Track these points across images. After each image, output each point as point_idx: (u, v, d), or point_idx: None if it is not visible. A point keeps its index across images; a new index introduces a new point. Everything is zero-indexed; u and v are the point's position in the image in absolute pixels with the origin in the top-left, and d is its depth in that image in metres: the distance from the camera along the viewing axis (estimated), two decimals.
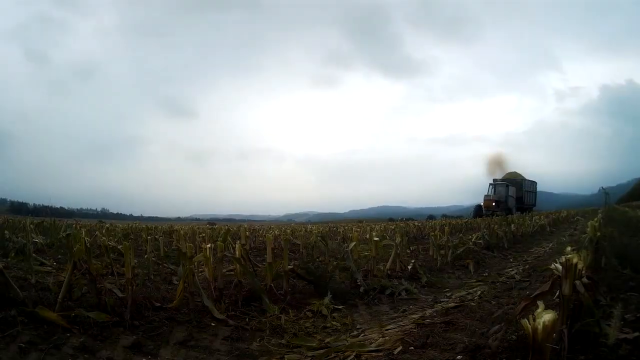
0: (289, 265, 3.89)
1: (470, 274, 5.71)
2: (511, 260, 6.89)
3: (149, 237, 5.94)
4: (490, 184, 34.36)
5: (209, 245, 3.39)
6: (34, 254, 4.05)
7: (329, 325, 3.40)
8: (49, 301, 3.01)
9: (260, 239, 7.92)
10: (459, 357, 2.19)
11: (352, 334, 3.15)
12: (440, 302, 4.03)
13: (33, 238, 4.66)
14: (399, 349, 2.54)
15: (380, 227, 11.32)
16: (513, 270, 5.62)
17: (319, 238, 5.45)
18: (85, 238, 3.07)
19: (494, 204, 31.66)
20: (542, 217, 14.49)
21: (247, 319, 3.33)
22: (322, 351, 2.73)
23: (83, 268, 3.07)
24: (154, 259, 4.38)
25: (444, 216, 45.44)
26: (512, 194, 33.52)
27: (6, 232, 5.42)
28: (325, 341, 3.01)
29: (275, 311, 3.50)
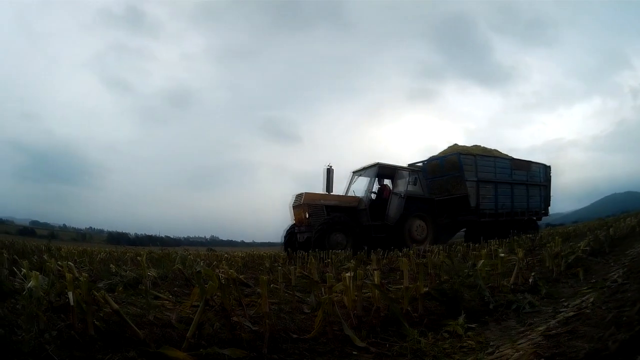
0: (424, 287, 3.66)
1: (580, 282, 5.53)
2: (612, 264, 6.63)
3: (275, 265, 5.77)
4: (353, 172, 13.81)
5: (348, 274, 3.27)
6: (142, 286, 3.79)
7: (465, 344, 3.23)
8: (173, 339, 2.76)
9: (384, 261, 7.65)
10: None
11: (487, 351, 3.00)
12: (560, 312, 3.87)
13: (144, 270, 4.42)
14: None
15: (495, 241, 11.56)
16: (615, 273, 5.31)
17: (445, 257, 5.21)
18: (216, 273, 2.83)
19: (307, 216, 11.55)
20: (632, 218, 14.12)
21: (387, 345, 3.12)
22: None
23: (216, 304, 2.87)
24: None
25: (549, 225, 42.59)
26: (402, 189, 12.86)
27: (112, 265, 5.22)
28: None
29: (415, 335, 3.28)
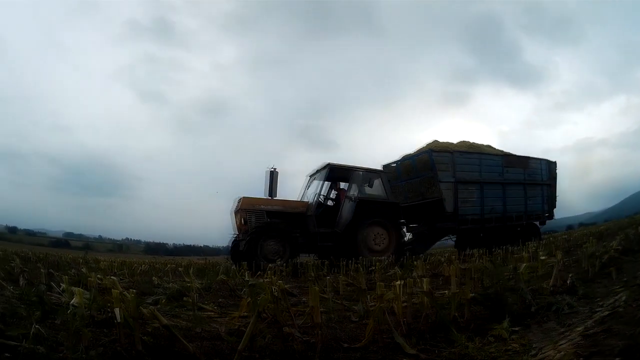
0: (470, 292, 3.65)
1: (613, 281, 5.52)
2: None
3: (321, 273, 5.72)
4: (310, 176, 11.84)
5: (398, 282, 3.28)
6: (187, 298, 3.75)
7: (509, 347, 3.25)
8: (223, 352, 2.76)
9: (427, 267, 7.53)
10: (617, 359, 2.40)
11: (531, 353, 3.05)
12: (596, 311, 3.90)
13: (187, 282, 4.38)
14: None
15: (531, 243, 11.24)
16: None
17: (488, 261, 5.20)
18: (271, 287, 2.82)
19: (243, 223, 10.16)
20: None
21: (436, 351, 3.13)
22: None
23: (268, 316, 2.87)
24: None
25: (582, 224, 41.38)
26: (355, 192, 11.15)
27: (154, 278, 5.17)
28: None
29: (463, 340, 3.30)
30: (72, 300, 2.89)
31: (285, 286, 3.38)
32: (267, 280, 4.22)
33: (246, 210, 10.14)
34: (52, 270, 5.64)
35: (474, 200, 12.99)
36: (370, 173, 11.52)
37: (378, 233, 10.92)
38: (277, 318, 2.80)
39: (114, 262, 11.04)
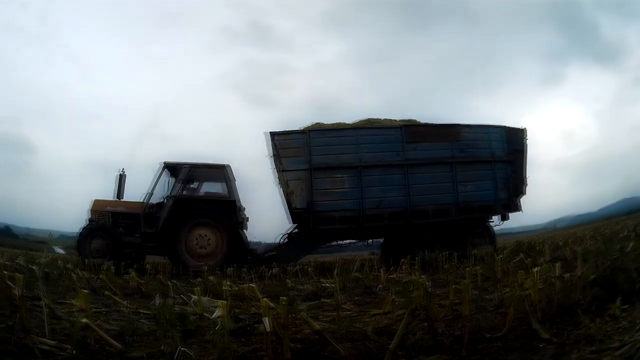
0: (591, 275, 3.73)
1: None
2: None
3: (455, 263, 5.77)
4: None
5: (536, 269, 3.35)
6: (324, 299, 3.89)
7: (620, 325, 3.30)
8: (372, 353, 2.85)
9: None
10: None
11: (635, 329, 3.03)
12: None
13: (322, 282, 4.52)
14: None
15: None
16: None
17: (601, 243, 5.28)
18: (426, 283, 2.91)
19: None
20: None
21: (565, 334, 3.21)
22: (622, 350, 2.70)
23: (421, 313, 2.93)
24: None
25: None
26: (176, 190, 10.35)
27: (287, 280, 5.26)
28: (623, 340, 2.91)
29: (586, 321, 3.37)
30: (215, 314, 2.85)
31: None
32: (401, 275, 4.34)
33: (95, 211, 10.41)
34: (174, 281, 5.75)
35: (344, 191, 10.33)
36: (209, 169, 10.86)
37: (203, 235, 10.18)
38: (429, 313, 2.86)
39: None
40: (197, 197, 10.74)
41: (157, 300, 3.91)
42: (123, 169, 10.48)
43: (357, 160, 10.25)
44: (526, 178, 11.25)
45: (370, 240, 11.59)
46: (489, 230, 11.16)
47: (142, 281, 5.65)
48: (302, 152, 10.19)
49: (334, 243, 11.71)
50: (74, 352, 2.56)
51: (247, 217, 11.40)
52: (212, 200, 10.52)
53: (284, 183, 10.16)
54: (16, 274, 3.43)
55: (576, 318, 3.44)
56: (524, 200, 11.44)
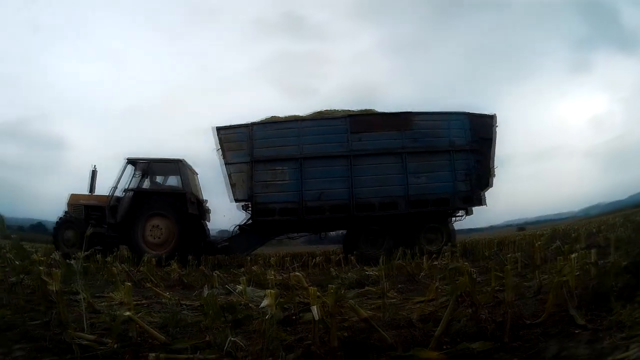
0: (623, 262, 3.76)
1: None
2: None
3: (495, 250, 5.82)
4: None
5: (573, 255, 3.39)
6: (368, 287, 4.01)
7: None
8: (417, 339, 2.89)
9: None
10: None
11: None
12: None
13: (365, 271, 4.64)
14: None
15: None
16: None
17: (631, 230, 5.33)
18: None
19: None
20: None
21: (599, 320, 3.23)
22: None
23: (466, 300, 2.99)
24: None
25: None
26: (134, 183, 11.08)
27: (332, 269, 5.35)
28: None
29: (618, 308, 3.36)
30: (263, 303, 2.76)
31: None
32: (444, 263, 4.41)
33: (71, 204, 11.16)
34: (217, 272, 5.87)
35: (284, 183, 10.35)
36: (165, 164, 11.47)
37: (156, 225, 10.70)
38: (473, 300, 2.94)
39: (276, 254, 10.97)
40: (152, 190, 11.20)
41: (205, 291, 3.99)
42: (95, 166, 11.07)
43: (298, 152, 10.32)
44: (494, 169, 10.56)
45: (323, 233, 11.69)
46: (446, 225, 10.84)
47: (184, 272, 5.80)
48: (245, 146, 10.42)
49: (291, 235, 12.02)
50: (115, 346, 2.52)
51: (210, 209, 12.27)
52: (165, 193, 11.10)
53: (227, 175, 10.45)
54: (53, 269, 3.41)
55: (609, 304, 3.43)
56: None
